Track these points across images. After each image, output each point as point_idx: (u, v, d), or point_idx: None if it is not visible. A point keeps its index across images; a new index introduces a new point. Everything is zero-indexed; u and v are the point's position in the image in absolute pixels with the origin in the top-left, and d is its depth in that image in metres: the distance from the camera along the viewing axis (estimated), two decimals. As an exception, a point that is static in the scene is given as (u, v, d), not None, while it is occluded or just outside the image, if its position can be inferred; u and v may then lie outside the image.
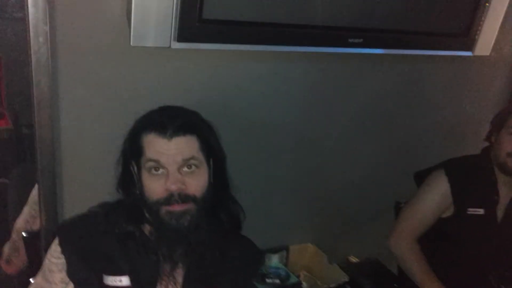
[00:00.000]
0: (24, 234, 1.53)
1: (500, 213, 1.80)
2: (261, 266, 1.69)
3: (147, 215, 1.20)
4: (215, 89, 1.53)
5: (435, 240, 1.84)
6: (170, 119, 1.13)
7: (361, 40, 1.52)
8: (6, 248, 1.64)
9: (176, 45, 1.26)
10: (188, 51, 1.34)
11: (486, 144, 1.85)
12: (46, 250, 1.29)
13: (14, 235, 1.61)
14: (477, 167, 1.83)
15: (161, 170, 1.13)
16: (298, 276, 1.83)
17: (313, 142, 1.82)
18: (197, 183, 1.15)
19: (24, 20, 1.25)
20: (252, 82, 1.58)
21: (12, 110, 2.97)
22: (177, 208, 1.12)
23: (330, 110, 1.80)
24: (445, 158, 1.89)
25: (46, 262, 1.22)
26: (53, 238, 1.24)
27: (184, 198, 1.12)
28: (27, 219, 1.58)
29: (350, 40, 1.50)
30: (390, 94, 1.88)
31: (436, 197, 1.82)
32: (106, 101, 1.40)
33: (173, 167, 1.12)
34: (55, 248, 1.21)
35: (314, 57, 1.63)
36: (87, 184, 1.45)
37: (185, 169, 1.13)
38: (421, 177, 1.91)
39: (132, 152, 1.18)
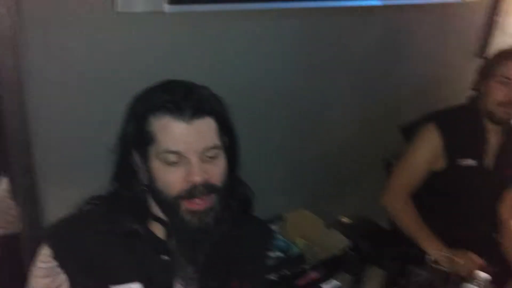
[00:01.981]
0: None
1: (489, 162, 1.80)
2: (272, 244, 1.60)
3: (154, 210, 1.05)
4: (211, 54, 1.38)
5: (427, 194, 1.82)
6: (184, 97, 0.96)
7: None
8: None
9: (170, 8, 1.07)
10: (180, 14, 1.15)
11: (471, 93, 1.82)
12: (30, 256, 1.11)
13: None
14: (466, 118, 1.81)
15: (179, 160, 0.97)
16: (293, 243, 1.76)
17: (304, 102, 1.73)
18: (219, 171, 1.00)
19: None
20: (248, 44, 1.45)
21: None
22: (201, 206, 0.97)
23: (319, 67, 1.70)
24: (429, 110, 1.84)
25: (33, 269, 1.04)
26: (39, 244, 1.05)
27: (209, 189, 0.97)
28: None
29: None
30: (380, 47, 1.81)
31: (427, 150, 1.79)
32: (87, 80, 1.20)
33: (195, 155, 0.96)
34: (44, 256, 1.02)
35: (306, 13, 1.50)
36: (68, 177, 1.26)
37: (207, 156, 0.98)
38: (408, 130, 1.87)
39: (137, 140, 1.00)
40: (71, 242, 1.03)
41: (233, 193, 1.12)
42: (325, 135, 1.86)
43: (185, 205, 0.97)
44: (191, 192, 0.96)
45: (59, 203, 1.18)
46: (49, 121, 1.20)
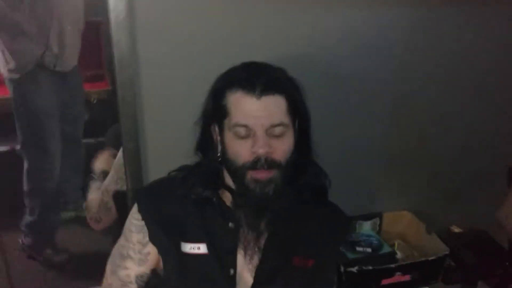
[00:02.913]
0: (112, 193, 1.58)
1: None
2: (348, 233, 1.60)
3: (226, 180, 1.15)
4: (300, 41, 1.42)
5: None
6: (257, 75, 1.06)
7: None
8: (94, 208, 1.68)
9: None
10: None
11: None
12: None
13: (103, 196, 1.64)
14: None
15: (247, 133, 1.06)
16: (392, 245, 1.70)
17: (411, 98, 1.65)
18: (283, 148, 1.08)
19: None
20: (341, 32, 1.45)
21: (110, 71, 3.07)
22: (263, 176, 1.06)
23: (430, 62, 1.60)
24: None
25: (127, 222, 1.22)
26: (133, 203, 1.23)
27: (271, 163, 1.05)
28: (115, 180, 1.61)
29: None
30: (498, 41, 1.64)
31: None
32: (187, 58, 1.35)
33: (261, 129, 1.05)
34: (135, 210, 1.20)
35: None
36: (170, 145, 1.42)
37: (273, 131, 1.06)
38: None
39: (215, 113, 1.11)
40: (153, 200, 1.20)
41: (304, 174, 1.17)
42: (440, 136, 1.75)
43: (250, 174, 1.06)
44: (255, 164, 1.06)
45: (159, 168, 1.35)
46: (155, 94, 1.37)
